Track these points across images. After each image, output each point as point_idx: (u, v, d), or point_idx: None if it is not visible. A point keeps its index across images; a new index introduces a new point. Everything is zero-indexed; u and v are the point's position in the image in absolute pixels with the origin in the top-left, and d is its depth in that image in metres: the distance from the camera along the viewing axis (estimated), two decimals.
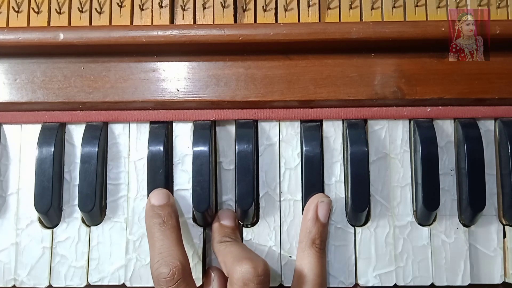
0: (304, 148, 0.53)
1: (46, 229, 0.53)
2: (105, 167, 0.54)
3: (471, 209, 0.51)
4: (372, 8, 0.53)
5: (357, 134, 0.52)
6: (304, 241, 0.50)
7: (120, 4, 0.54)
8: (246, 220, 0.53)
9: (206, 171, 0.51)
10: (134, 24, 0.54)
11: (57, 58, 0.53)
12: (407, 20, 0.53)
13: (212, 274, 0.51)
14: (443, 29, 0.51)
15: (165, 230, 0.48)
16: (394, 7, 0.53)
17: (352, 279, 0.52)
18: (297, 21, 0.54)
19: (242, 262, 0.45)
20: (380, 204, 0.53)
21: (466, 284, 0.51)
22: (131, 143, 0.54)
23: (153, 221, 0.49)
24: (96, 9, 0.54)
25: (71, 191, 0.53)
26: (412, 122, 0.53)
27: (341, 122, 0.54)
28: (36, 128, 0.54)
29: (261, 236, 0.53)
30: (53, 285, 0.52)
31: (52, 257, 0.52)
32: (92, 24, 0.54)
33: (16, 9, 0.54)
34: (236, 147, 0.52)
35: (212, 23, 0.54)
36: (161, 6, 0.54)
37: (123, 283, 0.52)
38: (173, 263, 0.45)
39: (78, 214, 0.53)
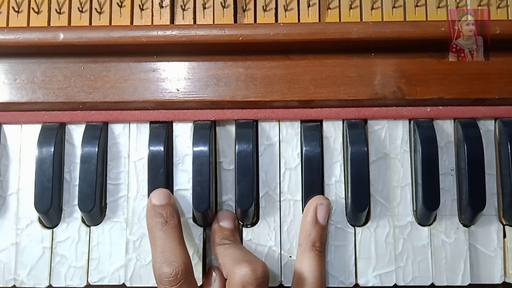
0: (304, 148, 0.53)
1: (46, 229, 0.53)
2: (105, 167, 0.54)
3: (471, 209, 0.51)
4: (372, 8, 0.53)
5: (357, 134, 0.52)
6: (303, 244, 0.50)
7: (120, 4, 0.54)
8: (246, 220, 0.53)
9: (206, 171, 0.51)
10: (134, 24, 0.54)
11: (57, 58, 0.53)
12: (407, 20, 0.53)
13: (214, 274, 0.51)
14: (443, 29, 0.51)
15: (167, 230, 0.48)
16: (394, 7, 0.53)
17: (352, 279, 0.52)
18: (297, 21, 0.54)
19: (241, 265, 0.45)
20: (380, 204, 0.53)
21: (466, 284, 0.51)
22: (131, 143, 0.54)
23: (155, 221, 0.49)
24: (96, 9, 0.54)
25: (71, 191, 0.53)
26: (412, 122, 0.53)
27: (341, 122, 0.54)
28: (36, 128, 0.54)
29: (261, 236, 0.53)
30: (53, 285, 0.52)
31: (52, 257, 0.52)
32: (92, 24, 0.54)
33: (16, 9, 0.54)
34: (236, 147, 0.52)
35: (212, 23, 0.54)
36: (161, 6, 0.54)
37: (123, 283, 0.52)
38: (176, 263, 0.45)
39: (78, 214, 0.53)
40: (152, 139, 0.53)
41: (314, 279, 0.48)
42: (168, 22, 0.54)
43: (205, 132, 0.52)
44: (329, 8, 0.54)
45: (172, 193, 0.52)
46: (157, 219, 0.49)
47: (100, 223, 0.53)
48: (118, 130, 0.54)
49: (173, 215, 0.49)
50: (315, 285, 0.48)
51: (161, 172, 0.52)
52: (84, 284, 0.52)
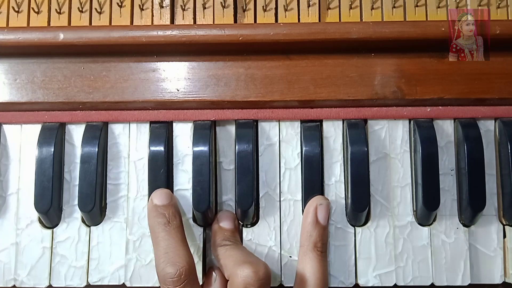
0: (304, 148, 0.53)
1: (46, 229, 0.53)
2: (105, 167, 0.54)
3: (471, 209, 0.51)
4: (372, 8, 0.53)
5: (357, 134, 0.52)
6: (305, 245, 0.50)
7: (120, 4, 0.54)
8: (246, 220, 0.53)
9: (206, 171, 0.51)
10: (134, 24, 0.54)
11: (57, 58, 0.53)
12: (407, 20, 0.53)
13: (214, 274, 0.51)
14: (443, 29, 0.51)
15: (170, 230, 0.48)
16: (394, 7, 0.53)
17: (352, 279, 0.52)
18: (297, 21, 0.54)
19: (243, 266, 0.45)
20: (380, 204, 0.53)
21: (466, 284, 0.51)
22: (131, 143, 0.54)
23: (157, 221, 0.49)
24: (96, 9, 0.54)
25: (71, 191, 0.53)
26: (412, 122, 0.53)
27: (341, 122, 0.54)
28: (36, 128, 0.54)
29: (261, 236, 0.53)
30: (53, 285, 0.52)
31: (52, 257, 0.52)
32: (92, 24, 0.54)
33: (16, 9, 0.54)
34: (236, 147, 0.52)
35: (212, 23, 0.54)
36: (161, 6, 0.54)
37: (123, 283, 0.52)
38: (179, 263, 0.45)
39: (78, 214, 0.53)
40: (153, 139, 0.53)
41: (316, 280, 0.48)
42: (168, 22, 0.54)
43: (205, 132, 0.52)
44: (329, 8, 0.54)
45: (172, 193, 0.52)
46: (160, 220, 0.49)
47: (100, 223, 0.53)
48: (118, 130, 0.54)
49: (175, 215, 0.49)
50: (318, 286, 0.48)
51: (161, 172, 0.52)
52: (84, 284, 0.52)
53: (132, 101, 0.53)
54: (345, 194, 0.53)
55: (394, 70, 0.52)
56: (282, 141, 0.54)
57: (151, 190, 0.52)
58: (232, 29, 0.51)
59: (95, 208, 0.51)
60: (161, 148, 0.52)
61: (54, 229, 0.53)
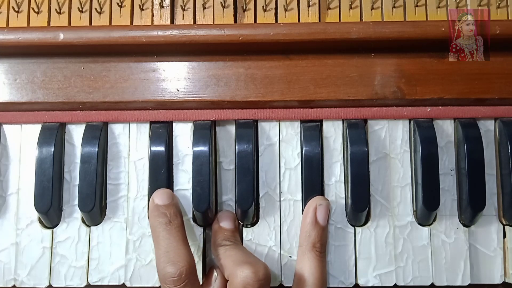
0: (304, 148, 0.53)
1: (46, 229, 0.53)
2: (105, 167, 0.54)
3: (471, 209, 0.51)
4: (372, 8, 0.53)
5: (357, 134, 0.52)
6: (304, 245, 0.50)
7: (120, 4, 0.54)
8: (246, 220, 0.53)
9: (206, 171, 0.51)
10: (134, 24, 0.54)
11: (57, 58, 0.53)
12: (407, 20, 0.53)
13: (215, 273, 0.50)
14: (443, 29, 0.51)
15: (171, 230, 0.48)
16: (394, 7, 0.53)
17: (352, 279, 0.52)
18: (297, 21, 0.54)
19: (242, 267, 0.45)
20: (380, 204, 0.53)
21: (466, 284, 0.51)
22: (131, 143, 0.54)
23: (158, 220, 0.49)
24: (96, 9, 0.54)
25: (71, 191, 0.53)
26: (412, 122, 0.53)
27: (341, 122, 0.54)
28: (36, 128, 0.54)
29: (261, 236, 0.53)
30: (53, 285, 0.52)
31: (52, 257, 0.52)
32: (92, 24, 0.54)
33: (16, 9, 0.54)
34: (236, 147, 0.52)
35: (212, 23, 0.54)
36: (161, 6, 0.54)
37: (123, 283, 0.52)
38: (180, 263, 0.45)
39: (78, 214, 0.53)
40: (153, 139, 0.53)
41: (314, 280, 0.48)
42: (168, 22, 0.54)
43: (205, 132, 0.52)
44: (329, 8, 0.54)
45: (173, 193, 0.52)
46: (161, 219, 0.49)
47: (100, 223, 0.53)
48: (118, 130, 0.54)
49: (176, 215, 0.49)
50: (316, 286, 0.48)
51: (162, 172, 0.52)
52: (84, 284, 0.52)
53: (132, 101, 0.53)
54: (345, 194, 0.53)
55: (394, 70, 0.52)
56: (282, 141, 0.54)
57: (151, 190, 0.52)
58: (232, 29, 0.51)
59: (95, 208, 0.51)
60: (161, 148, 0.52)
61: (54, 229, 0.53)
